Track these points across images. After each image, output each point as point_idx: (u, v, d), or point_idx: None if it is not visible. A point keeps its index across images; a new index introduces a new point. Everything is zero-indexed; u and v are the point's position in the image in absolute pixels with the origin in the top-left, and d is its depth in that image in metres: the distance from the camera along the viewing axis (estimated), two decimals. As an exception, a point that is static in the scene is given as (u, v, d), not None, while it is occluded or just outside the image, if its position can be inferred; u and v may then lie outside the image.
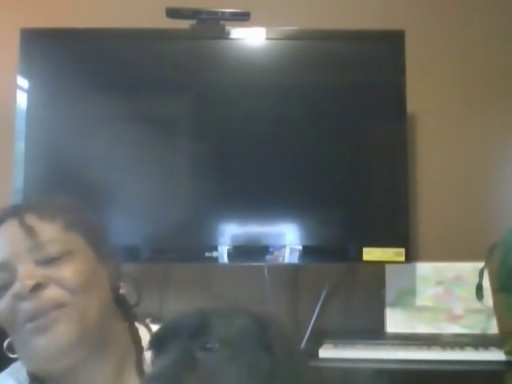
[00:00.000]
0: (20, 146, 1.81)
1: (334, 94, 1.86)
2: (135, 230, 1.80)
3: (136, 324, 1.04)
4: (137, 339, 1.02)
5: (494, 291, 1.75)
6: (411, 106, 1.85)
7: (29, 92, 1.84)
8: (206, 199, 1.82)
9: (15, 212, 0.98)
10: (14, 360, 0.99)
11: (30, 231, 0.94)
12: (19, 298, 0.91)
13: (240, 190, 1.82)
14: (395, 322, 1.81)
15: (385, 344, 1.65)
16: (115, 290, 1.01)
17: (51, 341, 0.91)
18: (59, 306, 0.91)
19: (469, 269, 1.83)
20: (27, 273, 0.91)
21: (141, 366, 0.99)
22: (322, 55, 1.87)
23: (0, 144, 1.98)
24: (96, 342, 0.95)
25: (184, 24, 1.86)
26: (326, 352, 1.58)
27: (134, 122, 1.83)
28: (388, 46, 1.85)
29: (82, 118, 1.84)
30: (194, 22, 1.86)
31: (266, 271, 1.82)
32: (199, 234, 1.80)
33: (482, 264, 1.67)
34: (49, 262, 0.93)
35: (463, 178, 2.02)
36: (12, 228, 0.95)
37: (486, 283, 1.77)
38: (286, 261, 1.78)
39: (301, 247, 1.78)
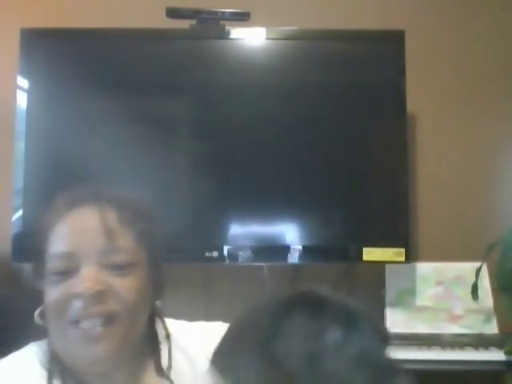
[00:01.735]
0: (20, 145, 1.81)
1: (334, 94, 1.86)
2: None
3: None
4: (155, 336, 1.02)
5: (494, 291, 1.76)
6: (411, 106, 1.85)
7: (29, 92, 1.84)
8: (207, 199, 1.83)
9: (97, 201, 0.95)
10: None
11: (109, 234, 0.92)
12: (76, 297, 0.90)
13: (240, 190, 1.82)
14: (395, 321, 1.81)
15: (385, 344, 1.65)
16: (154, 302, 1.01)
17: (92, 353, 0.90)
18: (109, 319, 0.90)
19: (469, 269, 1.83)
20: (91, 275, 0.90)
21: (159, 362, 1.00)
22: (322, 55, 1.87)
23: (0, 144, 1.98)
24: (131, 352, 0.95)
25: (184, 24, 1.86)
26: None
27: (134, 122, 1.83)
28: (388, 46, 1.85)
29: (82, 118, 1.84)
30: (194, 21, 1.86)
31: (266, 271, 1.82)
32: (199, 234, 1.80)
33: (482, 264, 1.67)
34: (113, 268, 0.92)
35: (463, 178, 2.02)
36: (91, 220, 0.93)
37: (487, 283, 1.78)
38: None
39: (301, 247, 1.79)
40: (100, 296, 0.89)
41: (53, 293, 0.92)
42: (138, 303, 0.93)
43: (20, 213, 1.79)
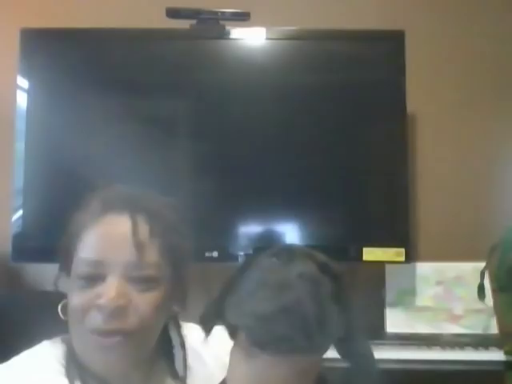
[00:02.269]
0: (20, 146, 1.81)
1: (334, 93, 1.86)
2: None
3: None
4: (170, 340, 1.02)
5: (494, 291, 1.76)
6: (411, 105, 1.85)
7: (29, 92, 1.84)
8: (206, 199, 1.82)
9: (130, 209, 0.95)
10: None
11: (139, 248, 0.92)
12: (98, 308, 0.90)
13: (240, 190, 1.82)
14: (395, 321, 1.81)
15: (385, 344, 1.65)
16: (173, 312, 1.01)
17: (107, 362, 0.91)
18: (126, 334, 0.91)
19: (469, 269, 1.83)
20: (115, 288, 0.90)
21: (173, 366, 1.01)
22: (322, 55, 1.87)
23: (0, 144, 1.98)
24: (147, 357, 0.96)
25: (184, 24, 1.86)
26: (326, 352, 1.57)
27: (134, 122, 1.83)
28: (388, 46, 1.85)
29: (82, 117, 1.84)
30: (194, 21, 1.86)
31: (266, 271, 1.82)
32: (199, 234, 1.79)
33: (482, 264, 1.67)
34: (137, 282, 0.92)
35: (463, 178, 2.02)
36: (123, 230, 0.93)
37: (486, 283, 1.78)
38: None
39: (301, 247, 1.78)
40: (120, 311, 0.90)
41: (76, 298, 0.92)
42: (156, 319, 0.94)
43: (20, 213, 1.79)
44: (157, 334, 0.97)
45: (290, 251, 0.86)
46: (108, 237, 0.93)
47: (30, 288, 1.92)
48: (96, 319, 0.90)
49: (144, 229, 0.94)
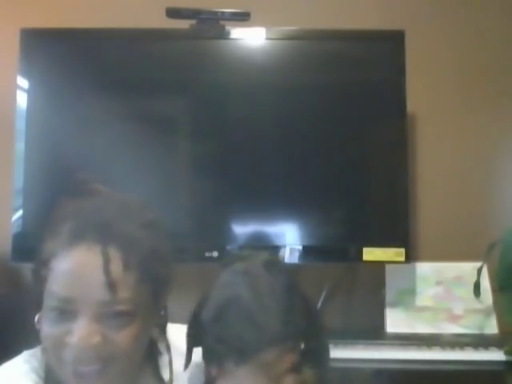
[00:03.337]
0: (20, 145, 1.81)
1: (334, 93, 1.86)
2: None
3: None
4: (155, 346, 1.01)
5: (494, 291, 1.76)
6: (411, 105, 1.85)
7: (29, 92, 1.83)
8: (206, 199, 1.82)
9: (102, 241, 0.89)
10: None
11: (111, 286, 0.88)
12: (71, 347, 0.88)
13: (240, 190, 1.82)
14: (395, 321, 1.81)
15: (385, 344, 1.65)
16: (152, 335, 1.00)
17: None
18: (105, 365, 0.89)
19: (469, 269, 1.83)
20: (86, 328, 0.87)
21: (158, 371, 1.00)
22: (322, 55, 1.87)
23: (0, 144, 1.98)
24: (128, 379, 0.95)
25: (184, 24, 1.86)
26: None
27: (133, 122, 1.83)
28: (388, 46, 1.85)
29: (81, 118, 1.84)
30: (194, 22, 1.86)
31: (265, 271, 1.82)
32: (199, 234, 1.80)
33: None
34: (111, 317, 0.89)
35: (463, 178, 2.02)
36: (93, 267, 0.89)
37: (487, 283, 1.78)
38: (286, 261, 1.78)
39: (301, 247, 1.79)
40: (95, 348, 0.88)
41: (48, 329, 0.90)
42: (133, 350, 0.91)
43: (20, 213, 1.79)
44: (139, 357, 0.95)
45: (236, 256, 0.92)
46: (79, 273, 0.89)
47: (29, 288, 1.92)
48: (71, 356, 0.88)
49: (117, 263, 0.89)
